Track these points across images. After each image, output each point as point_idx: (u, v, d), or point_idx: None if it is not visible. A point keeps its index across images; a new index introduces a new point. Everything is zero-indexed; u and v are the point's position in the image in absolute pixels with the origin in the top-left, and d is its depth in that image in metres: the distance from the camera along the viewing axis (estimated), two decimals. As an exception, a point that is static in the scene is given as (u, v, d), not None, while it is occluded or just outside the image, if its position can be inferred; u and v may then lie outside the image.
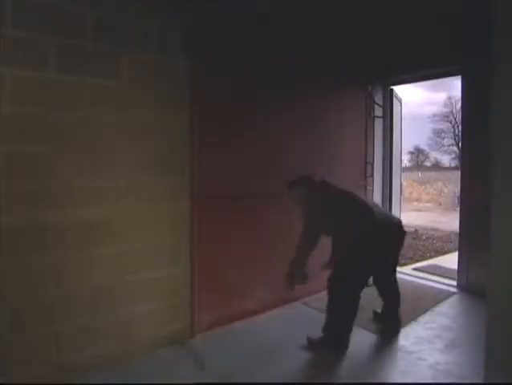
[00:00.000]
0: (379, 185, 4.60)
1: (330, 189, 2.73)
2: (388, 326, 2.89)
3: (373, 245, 2.52)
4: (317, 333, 2.66)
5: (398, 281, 2.95)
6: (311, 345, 2.65)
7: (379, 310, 3.03)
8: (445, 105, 31.39)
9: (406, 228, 2.81)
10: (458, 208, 4.30)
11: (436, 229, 8.09)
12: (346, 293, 2.56)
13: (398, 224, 2.77)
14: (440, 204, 13.08)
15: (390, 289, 2.92)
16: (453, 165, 28.95)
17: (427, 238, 7.11)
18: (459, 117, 24.24)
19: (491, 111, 1.56)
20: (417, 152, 34.59)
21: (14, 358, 2.08)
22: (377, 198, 4.54)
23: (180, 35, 2.64)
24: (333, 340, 2.61)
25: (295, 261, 2.64)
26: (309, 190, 2.72)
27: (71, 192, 2.24)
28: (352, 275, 2.55)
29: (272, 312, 2.76)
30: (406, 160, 30.29)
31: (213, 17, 2.79)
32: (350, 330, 2.60)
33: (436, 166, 31.52)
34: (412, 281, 4.07)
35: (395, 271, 2.93)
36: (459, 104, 19.77)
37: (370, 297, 2.81)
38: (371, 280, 3.03)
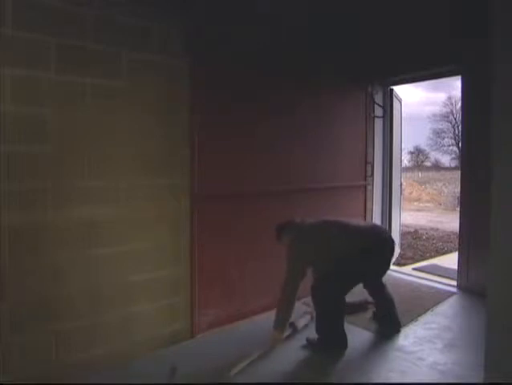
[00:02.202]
0: (379, 185, 4.60)
1: (307, 223, 2.78)
2: (388, 326, 2.89)
3: (354, 258, 2.53)
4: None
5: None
6: (311, 345, 2.66)
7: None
8: (445, 105, 31.45)
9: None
10: (458, 208, 4.29)
11: (436, 229, 8.07)
12: (330, 298, 2.57)
13: (382, 235, 2.79)
14: (440, 204, 13.06)
15: (379, 292, 2.94)
16: (452, 165, 28.96)
17: (427, 238, 7.09)
18: (459, 117, 24.26)
19: (491, 111, 1.56)
20: (417, 152, 34.61)
21: (14, 358, 2.08)
22: (377, 198, 4.54)
23: (180, 35, 2.64)
24: (331, 340, 2.62)
25: (285, 309, 2.60)
26: (292, 233, 2.74)
27: (71, 192, 2.24)
28: (334, 286, 2.57)
29: (272, 312, 2.75)
30: (406, 160, 30.27)
31: (213, 17, 2.79)
32: (341, 328, 2.61)
33: (436, 166, 31.52)
34: (412, 281, 4.05)
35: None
36: (459, 104, 19.79)
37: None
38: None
